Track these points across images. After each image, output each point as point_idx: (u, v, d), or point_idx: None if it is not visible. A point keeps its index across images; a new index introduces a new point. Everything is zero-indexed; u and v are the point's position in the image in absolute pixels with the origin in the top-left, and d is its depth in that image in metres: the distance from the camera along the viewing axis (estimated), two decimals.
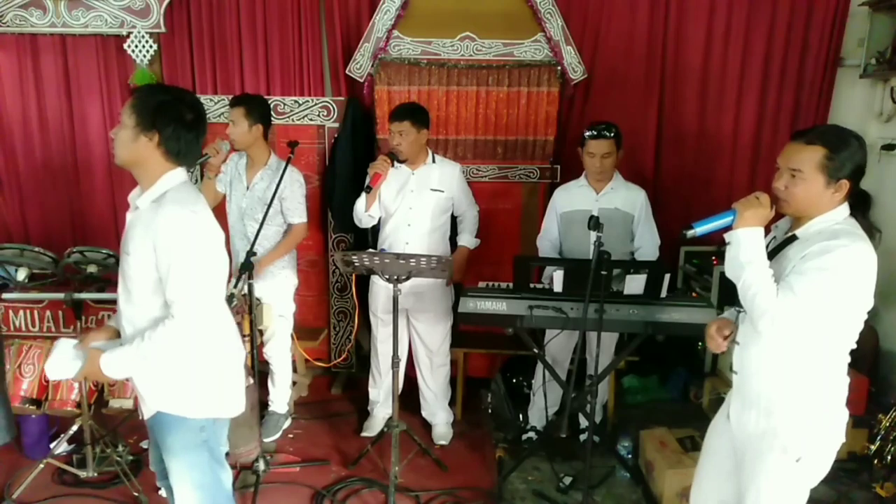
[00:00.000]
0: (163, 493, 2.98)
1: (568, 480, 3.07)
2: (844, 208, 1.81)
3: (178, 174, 1.92)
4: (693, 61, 3.94)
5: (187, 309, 1.82)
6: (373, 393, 3.62)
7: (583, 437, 3.19)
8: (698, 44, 3.92)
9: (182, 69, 4.07)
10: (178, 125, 1.87)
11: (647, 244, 3.21)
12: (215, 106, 3.84)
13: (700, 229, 1.86)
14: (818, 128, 1.86)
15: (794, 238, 1.83)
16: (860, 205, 1.84)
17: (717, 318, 2.09)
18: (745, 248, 1.78)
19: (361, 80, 3.89)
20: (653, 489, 3.03)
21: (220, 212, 2.87)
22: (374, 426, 3.55)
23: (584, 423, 3.30)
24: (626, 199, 3.19)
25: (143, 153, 1.86)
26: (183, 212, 1.83)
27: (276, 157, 3.29)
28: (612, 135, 3.06)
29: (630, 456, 3.23)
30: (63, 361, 1.91)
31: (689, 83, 3.97)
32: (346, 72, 3.90)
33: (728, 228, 1.85)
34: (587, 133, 3.10)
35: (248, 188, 3.26)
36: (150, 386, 1.97)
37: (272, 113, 3.80)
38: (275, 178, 3.14)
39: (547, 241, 3.34)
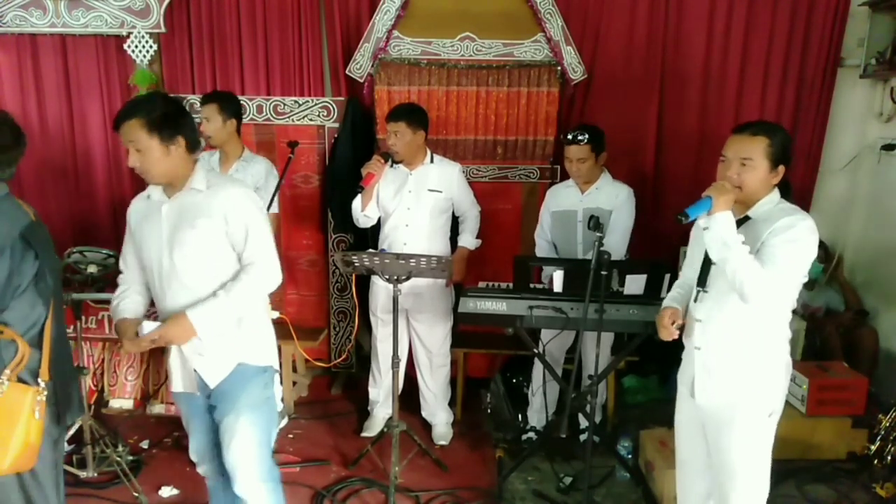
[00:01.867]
0: (163, 492, 3.00)
1: (568, 480, 3.07)
2: (777, 191, 2.06)
3: (200, 164, 2.15)
4: (693, 61, 3.93)
5: (267, 258, 2.10)
6: (373, 393, 3.62)
7: (583, 437, 3.19)
8: (698, 44, 3.91)
9: (182, 69, 4.07)
10: (189, 120, 2.10)
11: (616, 233, 3.12)
12: None
13: (693, 215, 2.01)
14: (755, 122, 2.08)
15: (746, 219, 2.04)
16: (786, 190, 2.07)
17: (666, 307, 2.25)
18: (726, 230, 1.95)
19: (361, 80, 3.89)
20: (653, 489, 3.04)
21: None
22: (374, 426, 3.55)
23: (584, 423, 3.30)
24: (608, 196, 3.20)
25: (176, 160, 2.06)
26: (242, 188, 2.15)
27: (249, 150, 3.30)
28: (586, 140, 3.06)
29: (630, 456, 3.23)
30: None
31: (690, 83, 3.96)
32: (346, 72, 3.90)
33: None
34: (565, 137, 3.15)
35: None
36: (232, 339, 2.12)
37: (273, 113, 3.83)
38: (249, 168, 3.22)
39: (542, 238, 3.38)
